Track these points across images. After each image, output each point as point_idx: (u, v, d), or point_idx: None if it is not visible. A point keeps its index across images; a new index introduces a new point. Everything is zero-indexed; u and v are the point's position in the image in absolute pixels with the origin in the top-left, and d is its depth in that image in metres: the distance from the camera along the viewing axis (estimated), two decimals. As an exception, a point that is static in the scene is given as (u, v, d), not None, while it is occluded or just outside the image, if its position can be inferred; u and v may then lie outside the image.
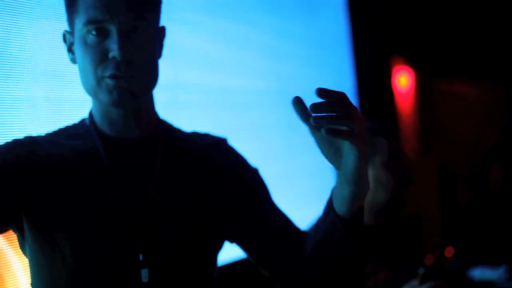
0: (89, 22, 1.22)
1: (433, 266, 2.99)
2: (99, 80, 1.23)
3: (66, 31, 1.30)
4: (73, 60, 1.29)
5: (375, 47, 4.21)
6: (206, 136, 1.42)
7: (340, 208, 1.18)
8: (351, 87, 3.71)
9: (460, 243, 5.11)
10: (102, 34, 1.22)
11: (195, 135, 1.41)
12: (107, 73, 1.22)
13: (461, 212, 5.63)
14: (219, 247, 1.38)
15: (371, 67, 4.03)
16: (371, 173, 2.00)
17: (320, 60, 3.34)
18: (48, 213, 1.22)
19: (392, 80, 4.96)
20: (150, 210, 1.27)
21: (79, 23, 1.24)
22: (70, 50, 1.30)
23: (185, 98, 2.27)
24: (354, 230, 1.19)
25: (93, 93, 1.26)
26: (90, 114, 1.33)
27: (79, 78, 1.27)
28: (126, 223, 1.25)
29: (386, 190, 1.99)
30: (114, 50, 1.20)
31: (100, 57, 1.22)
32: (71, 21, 1.28)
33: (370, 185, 1.97)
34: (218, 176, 1.36)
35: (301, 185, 2.98)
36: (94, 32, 1.22)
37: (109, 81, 1.22)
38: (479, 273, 2.69)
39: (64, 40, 1.31)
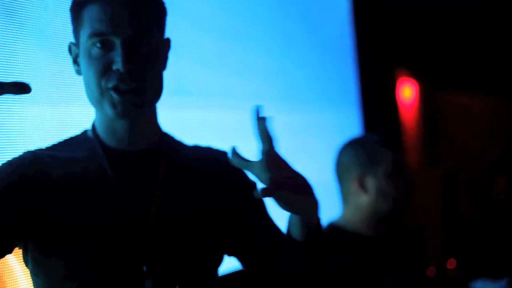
0: (93, 34, 1.23)
1: (435, 278, 2.99)
2: (103, 92, 1.24)
3: (71, 43, 1.32)
4: (78, 72, 1.31)
5: (380, 60, 4.22)
6: (208, 150, 1.44)
7: (293, 231, 1.21)
8: (355, 99, 3.72)
9: (463, 254, 5.11)
10: (107, 46, 1.23)
11: (197, 148, 1.43)
12: (111, 85, 1.23)
13: (465, 223, 5.63)
14: (220, 258, 1.39)
15: (375, 79, 4.04)
16: (374, 184, 2.01)
17: (324, 72, 3.35)
18: (52, 226, 1.23)
19: (396, 92, 4.97)
20: (154, 221, 1.28)
21: (84, 35, 1.25)
22: (75, 61, 1.31)
23: (189, 102, 2.29)
24: (308, 251, 1.21)
25: (97, 104, 1.27)
26: (93, 126, 1.34)
27: (83, 90, 1.29)
28: (129, 234, 1.25)
29: (388, 201, 2.00)
30: (118, 63, 1.22)
31: (104, 69, 1.23)
32: (76, 33, 1.29)
33: (373, 197, 2.00)
34: (219, 189, 1.37)
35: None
36: (98, 45, 1.23)
37: (113, 94, 1.23)
38: (480, 285, 2.68)
39: (70, 51, 1.32)
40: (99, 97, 1.25)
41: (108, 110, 1.25)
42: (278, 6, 2.97)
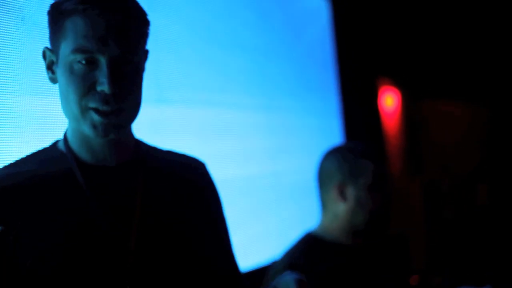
0: (78, 50, 1.18)
1: (418, 286, 3.00)
2: (83, 110, 1.20)
3: (47, 48, 1.26)
4: (53, 80, 1.26)
5: (362, 69, 4.24)
6: (184, 157, 1.41)
7: None
8: (338, 108, 3.73)
9: (446, 261, 5.13)
10: (91, 63, 1.19)
11: (172, 155, 1.40)
12: (93, 105, 1.19)
13: (448, 230, 5.66)
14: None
15: (357, 88, 4.06)
16: (353, 194, 2.00)
17: (305, 82, 3.36)
18: (31, 249, 1.17)
19: (378, 101, 4.99)
20: (135, 239, 1.24)
21: (66, 48, 1.20)
22: (50, 68, 1.26)
23: (169, 115, 2.28)
24: None
25: (75, 121, 1.23)
26: (66, 138, 1.29)
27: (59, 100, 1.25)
28: (112, 254, 1.22)
29: (365, 213, 2.00)
30: (103, 84, 1.18)
31: (86, 88, 1.19)
32: (55, 41, 1.24)
33: (352, 206, 2.00)
34: (195, 200, 1.35)
35: (286, 207, 2.98)
36: (83, 62, 1.19)
37: (94, 115, 1.19)
38: (463, 292, 2.68)
39: (44, 57, 1.27)
40: (78, 115, 1.20)
41: (88, 130, 1.21)
42: (260, 17, 2.98)
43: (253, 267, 2.61)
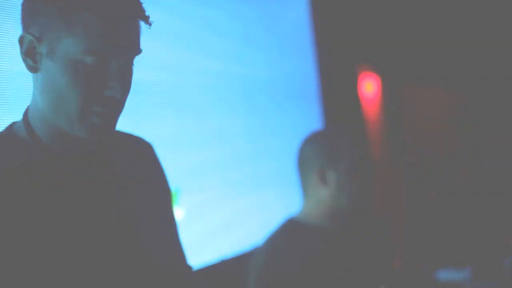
0: (92, 53, 1.11)
1: (400, 269, 3.02)
2: (84, 113, 1.13)
3: (31, 34, 1.14)
4: (34, 69, 1.15)
5: (341, 56, 4.24)
6: (133, 138, 1.38)
7: None
8: (317, 94, 3.73)
9: (427, 244, 5.18)
10: (101, 65, 1.13)
11: (124, 135, 1.36)
12: (98, 109, 1.14)
13: (429, 213, 5.71)
14: None
15: (337, 75, 4.06)
16: (334, 179, 2.01)
17: (285, 68, 3.35)
18: (15, 250, 1.12)
19: (358, 87, 5.00)
20: (118, 227, 1.22)
21: (73, 46, 1.11)
22: (30, 55, 1.15)
23: (147, 99, 2.27)
24: None
25: (66, 122, 1.15)
26: (29, 125, 1.19)
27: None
28: (100, 246, 1.19)
29: (348, 196, 2.01)
30: (115, 90, 1.13)
31: (94, 91, 1.13)
32: (49, 31, 1.13)
33: (333, 190, 2.01)
34: (150, 182, 1.34)
35: (264, 190, 2.99)
36: (93, 63, 1.12)
37: (95, 118, 1.14)
38: (445, 274, 2.72)
39: (21, 42, 1.16)
40: (75, 118, 1.14)
41: (83, 132, 1.15)
42: (237, 3, 2.97)
43: (235, 253, 2.62)
